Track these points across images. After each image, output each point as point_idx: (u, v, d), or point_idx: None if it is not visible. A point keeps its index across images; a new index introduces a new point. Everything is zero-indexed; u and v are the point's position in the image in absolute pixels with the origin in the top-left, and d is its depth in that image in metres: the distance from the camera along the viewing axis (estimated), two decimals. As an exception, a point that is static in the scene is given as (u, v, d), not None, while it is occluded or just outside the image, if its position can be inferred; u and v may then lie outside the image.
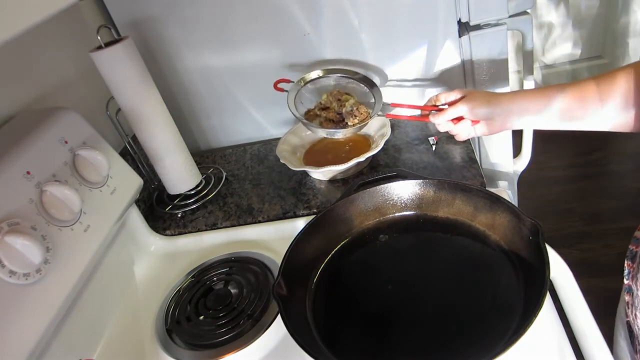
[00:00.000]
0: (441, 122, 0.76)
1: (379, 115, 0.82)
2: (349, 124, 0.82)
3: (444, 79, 1.02)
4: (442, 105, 0.77)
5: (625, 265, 0.65)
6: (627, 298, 0.64)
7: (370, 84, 0.87)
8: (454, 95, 0.75)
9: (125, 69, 0.81)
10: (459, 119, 0.75)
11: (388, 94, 1.04)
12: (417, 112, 0.83)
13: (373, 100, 0.85)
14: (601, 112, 0.62)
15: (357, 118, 0.82)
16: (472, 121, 0.75)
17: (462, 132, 0.76)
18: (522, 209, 0.61)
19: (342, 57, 1.00)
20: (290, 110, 0.83)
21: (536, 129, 0.92)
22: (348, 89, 0.89)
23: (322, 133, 0.84)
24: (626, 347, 0.71)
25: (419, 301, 0.62)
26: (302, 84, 0.88)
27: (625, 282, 0.65)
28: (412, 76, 1.02)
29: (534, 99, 0.67)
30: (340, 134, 0.83)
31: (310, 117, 0.87)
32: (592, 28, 2.32)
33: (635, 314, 0.62)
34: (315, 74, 0.89)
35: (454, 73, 1.00)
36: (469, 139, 0.93)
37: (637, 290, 0.60)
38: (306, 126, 0.85)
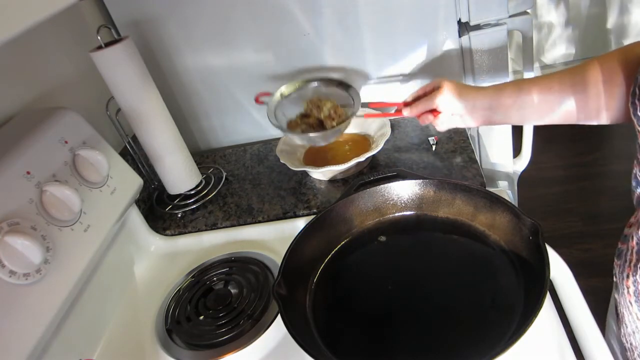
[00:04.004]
0: (413, 115, 0.76)
1: (356, 116, 0.82)
2: (327, 127, 0.82)
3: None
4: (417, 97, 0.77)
5: (614, 263, 0.65)
6: (616, 296, 0.65)
7: (347, 87, 0.87)
8: (431, 86, 0.75)
9: (125, 69, 0.81)
10: (435, 112, 0.74)
11: (387, 94, 1.05)
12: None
13: (352, 103, 0.85)
14: (572, 103, 0.62)
15: (335, 120, 0.82)
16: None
17: (440, 124, 0.75)
18: (522, 209, 0.61)
19: (341, 57, 1.00)
20: (270, 121, 0.82)
21: (536, 126, 0.91)
22: (328, 95, 0.88)
23: (301, 140, 0.83)
24: (615, 346, 0.71)
25: (419, 301, 0.62)
26: (280, 97, 0.87)
27: (615, 280, 0.65)
28: (412, 76, 1.02)
29: (504, 93, 0.67)
30: (319, 138, 0.82)
31: (291, 126, 0.86)
32: (591, 28, 2.32)
33: (624, 313, 0.62)
34: (290, 86, 0.88)
35: (454, 73, 1.00)
36: (469, 140, 0.93)
37: (624, 289, 0.60)
38: (286, 134, 0.84)
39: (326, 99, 0.86)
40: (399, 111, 0.78)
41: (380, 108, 0.84)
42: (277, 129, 0.82)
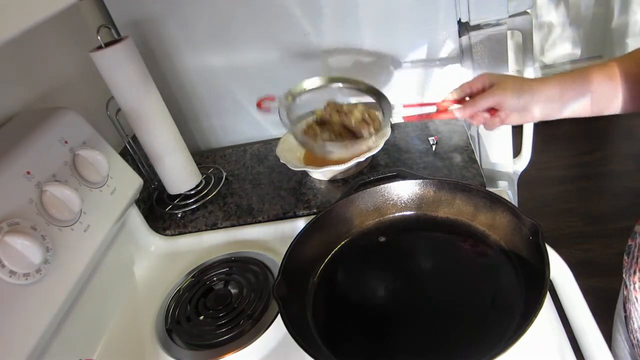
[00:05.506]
0: (467, 116, 0.66)
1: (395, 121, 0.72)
2: (364, 134, 0.67)
3: (444, 79, 1.02)
4: (464, 97, 0.68)
5: (624, 261, 0.66)
6: (625, 293, 0.65)
7: (377, 94, 0.73)
8: (480, 82, 0.66)
9: (125, 69, 0.81)
10: (493, 110, 0.66)
11: (387, 93, 1.05)
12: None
13: (380, 110, 0.72)
14: (630, 92, 0.59)
15: (372, 126, 0.68)
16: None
17: (494, 123, 0.66)
18: (522, 209, 0.61)
19: (341, 58, 1.00)
20: (284, 125, 0.69)
21: (536, 126, 0.90)
22: (347, 99, 0.74)
23: (330, 151, 0.66)
24: (622, 344, 0.71)
25: (419, 301, 0.62)
26: (291, 100, 0.73)
27: (623, 277, 0.66)
28: (411, 76, 1.02)
29: (568, 85, 0.62)
30: (356, 147, 0.67)
31: (308, 134, 0.71)
32: (591, 28, 2.32)
33: (631, 309, 0.62)
34: (309, 83, 0.73)
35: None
36: (469, 140, 0.93)
37: (631, 285, 0.61)
38: (305, 143, 0.69)
39: (347, 102, 0.73)
40: (441, 111, 0.68)
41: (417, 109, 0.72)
42: (299, 142, 0.69)
